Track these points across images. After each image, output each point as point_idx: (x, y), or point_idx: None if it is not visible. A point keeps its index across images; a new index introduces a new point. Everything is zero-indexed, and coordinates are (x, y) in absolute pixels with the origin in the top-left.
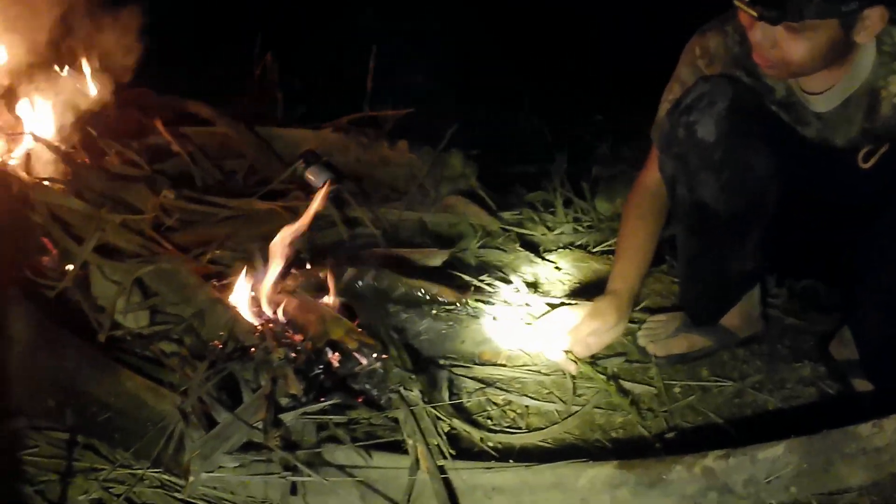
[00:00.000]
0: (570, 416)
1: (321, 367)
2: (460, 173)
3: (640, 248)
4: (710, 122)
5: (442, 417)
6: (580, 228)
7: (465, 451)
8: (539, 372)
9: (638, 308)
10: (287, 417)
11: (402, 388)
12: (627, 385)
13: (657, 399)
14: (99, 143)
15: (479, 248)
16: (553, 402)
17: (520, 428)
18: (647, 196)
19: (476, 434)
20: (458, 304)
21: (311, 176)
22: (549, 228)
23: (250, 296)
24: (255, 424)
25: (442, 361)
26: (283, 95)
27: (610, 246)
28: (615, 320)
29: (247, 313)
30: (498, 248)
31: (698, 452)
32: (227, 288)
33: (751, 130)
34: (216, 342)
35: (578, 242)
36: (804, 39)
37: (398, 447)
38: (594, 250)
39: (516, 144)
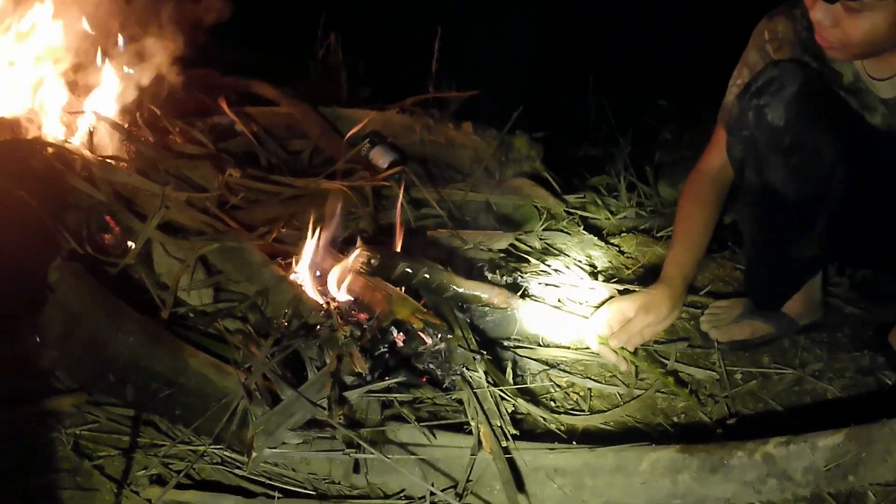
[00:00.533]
0: (632, 399)
1: (386, 346)
2: (526, 155)
3: (697, 234)
4: (780, 107)
5: (506, 397)
6: (643, 213)
7: (527, 432)
8: (597, 357)
9: (701, 293)
10: (352, 395)
11: (465, 369)
12: (689, 370)
13: (719, 385)
14: (162, 121)
15: (544, 230)
16: (615, 386)
17: (582, 410)
18: (706, 182)
19: (539, 415)
20: (508, 309)
21: (376, 156)
22: (612, 213)
23: (315, 274)
24: (319, 402)
25: (506, 343)
26: (348, 77)
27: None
28: (668, 310)
29: (312, 291)
30: (562, 231)
31: (759, 439)
32: (292, 266)
33: (819, 115)
34: (281, 320)
35: (642, 227)
36: (864, 19)
37: (461, 428)
38: (658, 235)
39: (581, 127)
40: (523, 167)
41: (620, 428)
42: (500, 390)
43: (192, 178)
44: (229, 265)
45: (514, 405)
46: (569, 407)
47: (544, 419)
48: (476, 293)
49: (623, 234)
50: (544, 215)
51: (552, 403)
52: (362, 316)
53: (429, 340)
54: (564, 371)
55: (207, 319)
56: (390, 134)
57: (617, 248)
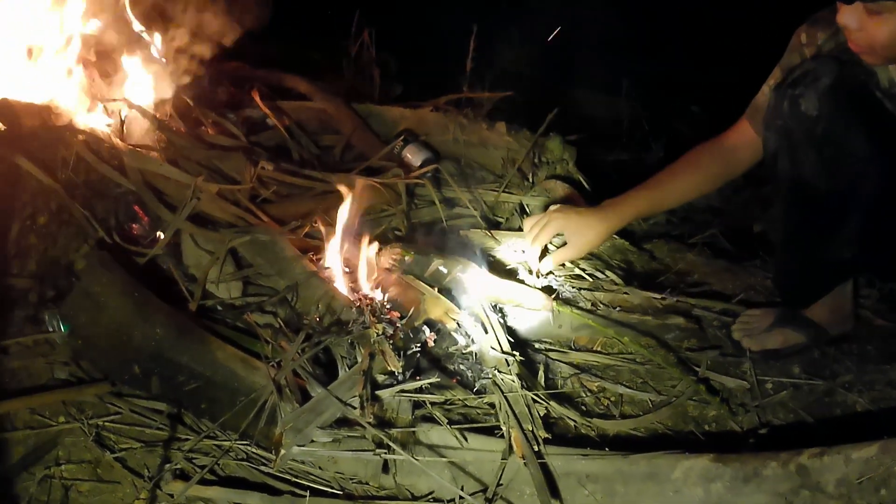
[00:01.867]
0: (663, 406)
1: (418, 345)
2: (559, 158)
3: (670, 191)
4: (814, 97)
5: (539, 400)
6: (674, 219)
7: (559, 436)
8: (634, 360)
9: (734, 301)
10: (383, 394)
11: (497, 371)
12: (721, 378)
13: (749, 394)
14: (195, 112)
15: None
16: (647, 392)
17: (613, 415)
18: (707, 152)
19: (570, 419)
20: (542, 310)
21: (409, 154)
22: (643, 219)
23: (347, 270)
24: (349, 400)
25: (538, 345)
26: (380, 74)
27: (705, 237)
28: (593, 239)
29: (343, 288)
30: None
31: (793, 450)
32: (323, 262)
33: (853, 111)
34: (313, 315)
35: (674, 233)
36: (886, 21)
37: (492, 431)
38: (691, 241)
39: (614, 132)
40: (556, 169)
41: (651, 434)
42: (533, 394)
43: (224, 169)
44: (260, 259)
45: (546, 409)
46: (600, 412)
47: (575, 423)
48: (510, 294)
49: (655, 240)
50: None
51: (583, 408)
52: (394, 314)
53: (461, 341)
54: (596, 375)
55: (236, 313)
56: (423, 132)
57: (649, 254)
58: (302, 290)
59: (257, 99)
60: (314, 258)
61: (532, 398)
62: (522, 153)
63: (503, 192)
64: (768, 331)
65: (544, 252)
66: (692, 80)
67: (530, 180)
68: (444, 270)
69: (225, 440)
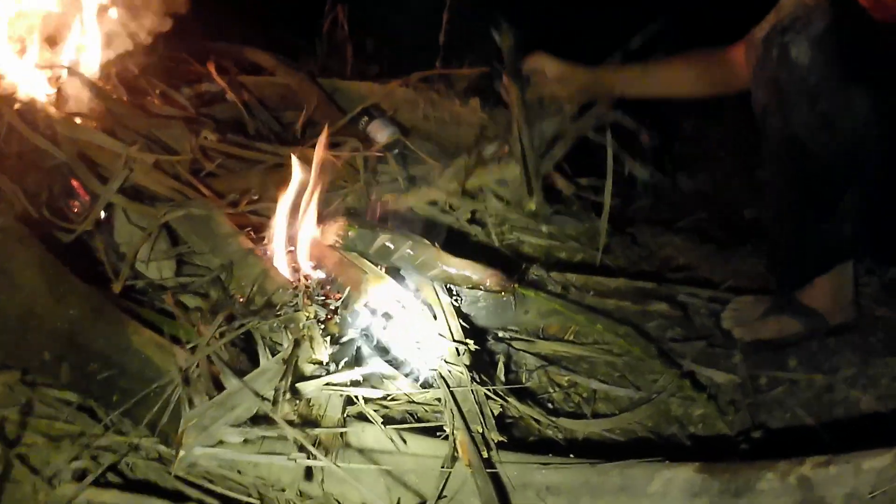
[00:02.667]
0: (642, 403)
1: (357, 331)
2: None
3: (660, 73)
4: (805, 43)
5: (493, 397)
6: (659, 204)
7: (517, 440)
8: (610, 351)
9: (722, 288)
10: (306, 388)
11: (445, 362)
12: (708, 372)
13: (741, 390)
14: (142, 82)
15: (553, 214)
16: (624, 388)
17: (584, 414)
18: (710, 55)
19: (533, 419)
20: (503, 294)
21: (374, 130)
22: (627, 201)
23: (287, 248)
24: (267, 394)
25: (501, 334)
26: (356, 54)
27: (692, 222)
28: (575, 88)
29: (283, 267)
30: (572, 217)
31: (793, 458)
32: (263, 239)
33: (851, 60)
34: (239, 295)
35: (659, 218)
36: None
37: (439, 432)
38: (677, 226)
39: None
40: None
41: (628, 437)
42: (487, 389)
43: (165, 140)
44: (194, 236)
45: (502, 406)
46: (569, 410)
47: (538, 423)
48: (466, 274)
49: (638, 224)
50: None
51: (549, 406)
52: (335, 295)
53: (407, 327)
54: (566, 368)
55: (165, 294)
56: (392, 108)
57: (631, 237)
58: (236, 269)
59: (213, 71)
60: (253, 235)
61: (485, 394)
62: (497, 131)
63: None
64: (762, 319)
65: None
66: None
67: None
68: (391, 246)
69: (135, 436)
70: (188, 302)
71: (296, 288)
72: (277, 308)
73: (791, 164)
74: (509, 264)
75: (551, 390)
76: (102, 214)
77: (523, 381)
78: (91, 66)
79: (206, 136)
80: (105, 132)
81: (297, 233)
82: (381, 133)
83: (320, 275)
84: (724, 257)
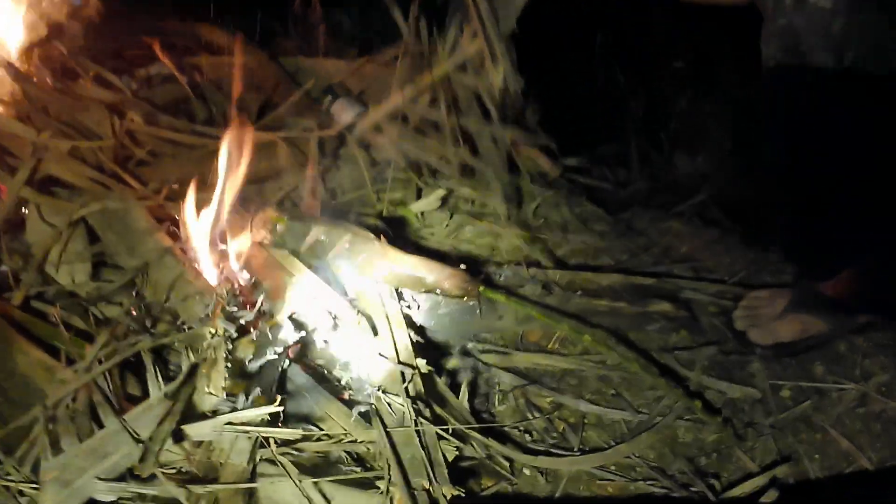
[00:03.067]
0: (643, 431)
1: (278, 350)
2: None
3: None
4: None
5: (447, 437)
6: (656, 185)
7: (480, 492)
8: (603, 364)
9: (731, 281)
10: (198, 429)
11: (383, 394)
12: (721, 385)
13: (762, 407)
14: (71, 63)
15: (539, 196)
16: (620, 409)
17: (570, 448)
18: None
19: (504, 457)
20: (465, 298)
21: (337, 111)
22: (621, 184)
23: (210, 246)
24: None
25: (469, 345)
26: (332, 34)
27: (693, 205)
28: None
29: (207, 267)
30: (560, 204)
31: None
32: (185, 235)
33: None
34: (132, 307)
35: (656, 202)
36: None
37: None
38: (676, 210)
39: (586, 89)
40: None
41: (625, 476)
42: (441, 428)
43: (89, 125)
44: (110, 232)
45: (458, 447)
46: (552, 441)
47: (511, 464)
48: (419, 274)
49: (634, 208)
50: (536, 183)
51: (528, 437)
52: (256, 306)
53: (341, 346)
54: (548, 388)
55: (75, 303)
56: (360, 87)
57: (626, 223)
58: (152, 271)
59: (157, 50)
60: (177, 231)
61: (437, 433)
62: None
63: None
64: (780, 318)
65: None
66: (675, 31)
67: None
68: (327, 241)
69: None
70: (107, 312)
71: (215, 295)
72: (182, 322)
73: (812, 130)
74: (473, 261)
75: (530, 416)
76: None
77: (496, 404)
78: (8, 47)
79: (133, 118)
80: (21, 118)
81: (228, 228)
82: (345, 113)
83: (244, 278)
84: (730, 245)
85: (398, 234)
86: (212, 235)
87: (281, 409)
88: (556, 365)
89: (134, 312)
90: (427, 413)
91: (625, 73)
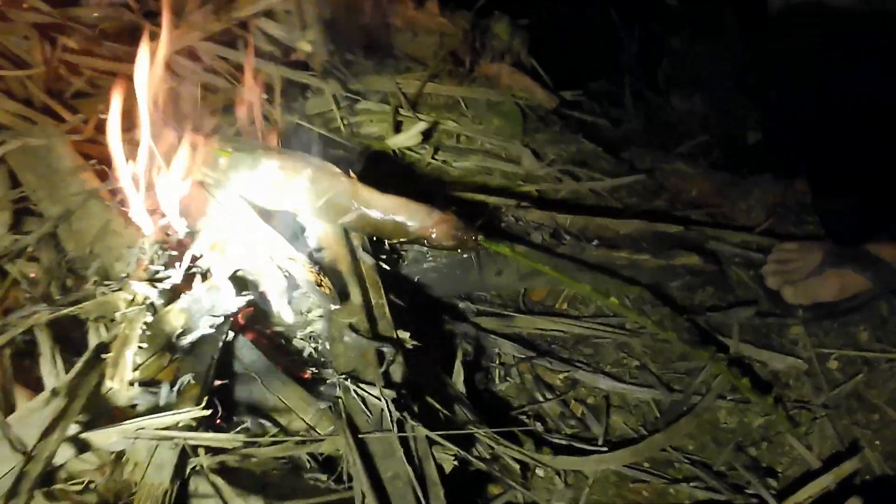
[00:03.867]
0: (679, 414)
1: (217, 320)
2: (506, 45)
3: None
4: None
5: (443, 443)
6: (653, 127)
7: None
8: (621, 327)
9: (757, 231)
10: (103, 437)
11: (351, 381)
12: (762, 355)
13: (810, 383)
14: None
15: (532, 133)
16: (648, 387)
17: (593, 440)
18: None
19: (511, 459)
20: (460, 251)
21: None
22: (615, 123)
23: (142, 186)
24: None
25: (461, 305)
26: None
27: (697, 147)
28: None
29: (140, 214)
30: (555, 140)
31: None
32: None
33: None
34: (31, 272)
35: (655, 142)
36: None
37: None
38: (679, 150)
39: (576, 25)
40: (504, 59)
41: (662, 475)
42: (437, 434)
43: (15, 52)
44: (30, 174)
45: (458, 455)
46: (568, 432)
47: (524, 466)
48: (400, 219)
49: (632, 148)
50: (528, 116)
51: (538, 426)
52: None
53: (296, 312)
54: (560, 359)
55: None
56: (330, 15)
57: (629, 164)
58: (75, 220)
59: None
60: (107, 170)
61: (428, 438)
62: (459, 37)
63: (430, 82)
64: (817, 274)
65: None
66: None
67: (468, 67)
68: (282, 177)
69: None
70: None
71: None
72: (101, 285)
73: (833, 64)
74: (466, 204)
75: (540, 396)
76: None
77: (497, 381)
78: None
79: (65, 43)
80: None
81: (168, 164)
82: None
83: (181, 228)
84: (744, 188)
85: (373, 172)
86: (144, 173)
87: (209, 412)
88: (567, 331)
89: (32, 274)
90: (415, 407)
91: (619, 9)
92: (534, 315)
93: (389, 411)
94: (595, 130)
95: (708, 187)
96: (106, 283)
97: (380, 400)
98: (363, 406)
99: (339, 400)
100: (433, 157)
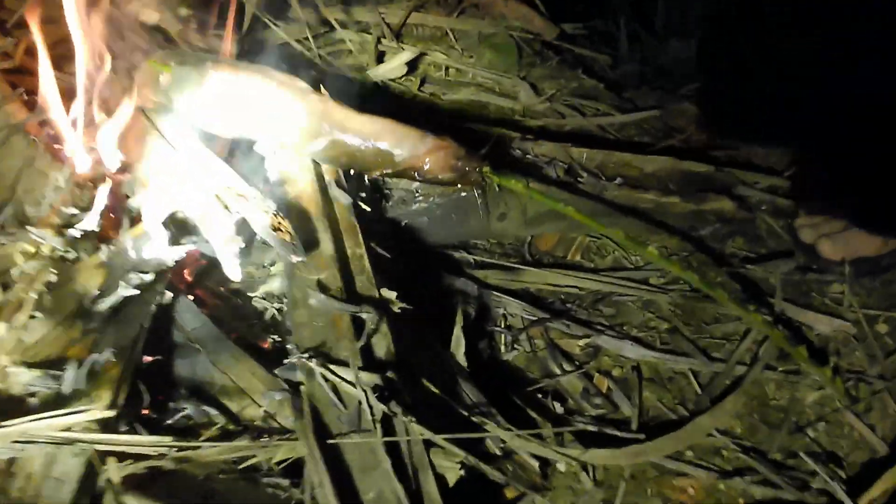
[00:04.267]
0: (723, 390)
1: (145, 278)
2: None
3: None
4: None
5: (445, 445)
6: (648, 71)
7: None
8: (645, 282)
9: (787, 174)
10: None
11: (308, 359)
12: (806, 316)
13: (861, 348)
14: None
15: (527, 67)
16: (685, 355)
17: (623, 422)
18: None
19: (530, 455)
20: (460, 187)
21: None
22: (611, 65)
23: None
24: None
25: (457, 256)
26: None
27: (701, 91)
28: None
29: (74, 149)
30: (553, 74)
31: None
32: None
33: None
34: None
35: (654, 86)
36: None
37: None
38: (682, 92)
39: None
40: None
41: (709, 465)
42: (444, 438)
43: None
44: None
45: (465, 462)
46: (594, 413)
47: (543, 465)
48: (383, 146)
49: (631, 91)
50: (524, 51)
51: (554, 408)
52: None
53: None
54: (578, 321)
55: None
56: None
57: (632, 104)
58: None
59: None
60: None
61: (423, 440)
62: None
63: (415, 11)
64: (856, 228)
65: None
66: None
67: None
68: (237, 95)
69: None
70: None
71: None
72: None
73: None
74: (467, 133)
75: (556, 368)
76: None
77: (502, 349)
78: None
79: None
80: None
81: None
82: None
83: (115, 161)
84: (763, 134)
85: (351, 102)
86: (80, 104)
87: (112, 413)
88: (582, 286)
89: None
90: (406, 396)
91: None
92: (543, 268)
93: (369, 404)
94: (594, 68)
95: (720, 129)
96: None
97: (356, 387)
98: (334, 397)
99: (301, 388)
100: (420, 90)
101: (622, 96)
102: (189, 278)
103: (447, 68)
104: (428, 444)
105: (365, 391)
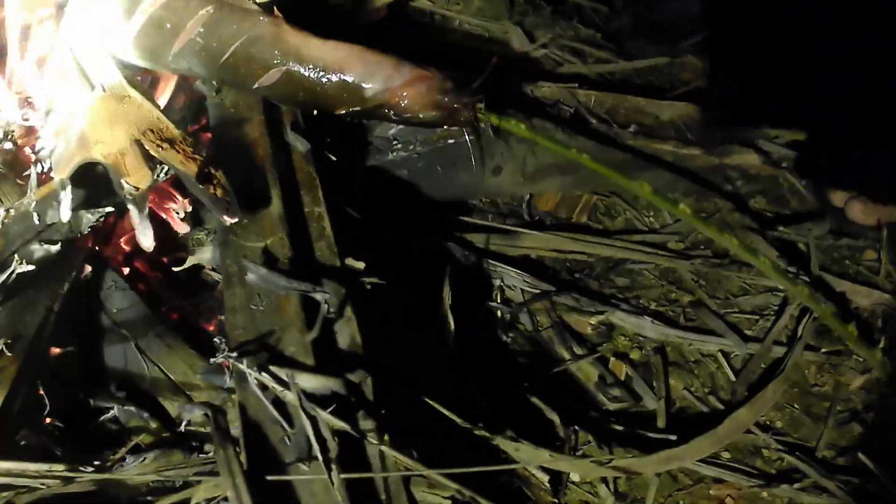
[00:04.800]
0: (763, 378)
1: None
2: None
3: None
4: None
5: (431, 474)
6: (641, 27)
7: None
8: (664, 246)
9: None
10: None
11: (267, 345)
12: (843, 285)
13: None
14: None
15: (519, 16)
16: (714, 334)
17: (649, 414)
18: None
19: (535, 468)
20: (447, 128)
21: None
22: (608, 16)
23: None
24: None
25: (443, 216)
26: None
27: (701, 46)
28: None
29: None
30: (548, 24)
31: None
32: None
33: None
34: None
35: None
36: None
37: None
38: (682, 46)
39: None
40: None
41: (750, 468)
42: (410, 467)
43: None
44: None
45: (455, 495)
46: (613, 409)
47: (555, 480)
48: (350, 77)
49: (625, 39)
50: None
51: (568, 402)
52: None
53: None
54: (591, 297)
55: None
56: None
57: (629, 53)
58: None
59: None
60: None
61: (400, 466)
62: None
63: None
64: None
65: None
66: None
67: None
68: (170, 21)
69: None
70: None
71: None
72: None
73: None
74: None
75: (565, 352)
76: None
77: (500, 330)
78: None
79: None
80: None
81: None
82: None
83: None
84: (774, 91)
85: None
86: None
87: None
88: (591, 252)
89: None
90: (380, 409)
91: None
92: (545, 230)
93: (314, 428)
94: (591, 19)
95: (723, 82)
96: None
97: (302, 402)
98: (274, 412)
99: (231, 399)
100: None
101: (622, 49)
102: (126, 247)
103: (432, 14)
104: (406, 480)
105: (306, 412)
